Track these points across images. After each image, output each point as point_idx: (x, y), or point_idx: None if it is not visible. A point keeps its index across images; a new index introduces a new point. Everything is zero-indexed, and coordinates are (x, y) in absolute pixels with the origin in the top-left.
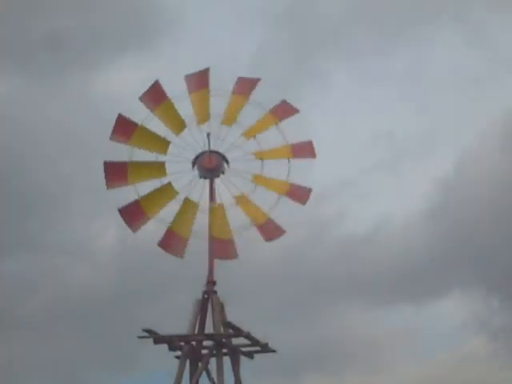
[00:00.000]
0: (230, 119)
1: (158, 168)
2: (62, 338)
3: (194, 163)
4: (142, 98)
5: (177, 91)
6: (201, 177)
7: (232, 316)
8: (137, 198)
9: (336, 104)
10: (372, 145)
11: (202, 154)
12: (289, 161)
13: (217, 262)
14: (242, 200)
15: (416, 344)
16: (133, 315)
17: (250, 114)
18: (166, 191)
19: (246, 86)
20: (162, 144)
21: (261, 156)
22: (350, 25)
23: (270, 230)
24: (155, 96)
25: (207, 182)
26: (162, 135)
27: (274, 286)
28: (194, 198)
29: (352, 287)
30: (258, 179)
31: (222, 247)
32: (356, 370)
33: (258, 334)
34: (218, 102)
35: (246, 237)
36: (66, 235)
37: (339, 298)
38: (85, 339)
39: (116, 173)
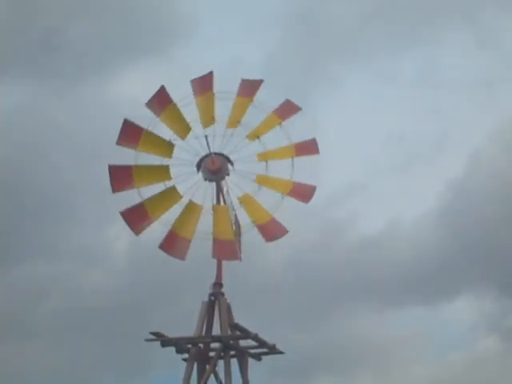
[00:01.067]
0: (234, 122)
1: (163, 172)
2: (74, 344)
3: (198, 166)
4: (148, 104)
5: (187, 97)
6: (205, 179)
7: (243, 318)
8: (140, 200)
9: (348, 106)
10: (383, 147)
11: (206, 156)
12: (292, 160)
13: (225, 264)
14: (245, 200)
15: (428, 345)
16: (145, 319)
17: (255, 116)
18: (170, 195)
19: (249, 88)
20: (167, 148)
21: (264, 157)
22: (361, 27)
23: (272, 230)
24: (160, 101)
25: (213, 184)
26: (167, 139)
27: (285, 288)
28: (199, 200)
29: (363, 289)
30: (262, 179)
31: (224, 248)
32: (367, 371)
33: (268, 337)
34: (224, 105)
35: (257, 239)
36: (79, 242)
37: (350, 300)
38: (97, 345)
39: (121, 177)
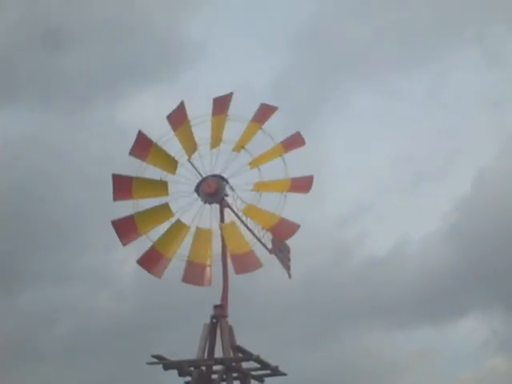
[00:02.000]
0: (239, 146)
1: (161, 187)
2: (84, 367)
3: (197, 191)
4: (168, 117)
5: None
6: (205, 203)
7: (252, 340)
8: (132, 213)
9: (356, 125)
10: (392, 166)
11: (202, 181)
12: (283, 158)
13: (233, 284)
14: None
15: (437, 364)
16: (154, 342)
17: (262, 142)
18: (162, 211)
19: (263, 114)
20: (172, 164)
21: (258, 188)
22: (370, 46)
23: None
24: (178, 116)
25: (215, 207)
26: (176, 155)
27: (295, 308)
28: (206, 225)
29: (373, 308)
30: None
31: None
32: None
33: (277, 357)
34: (235, 128)
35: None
36: (88, 265)
37: (360, 319)
38: (107, 368)
39: (122, 187)
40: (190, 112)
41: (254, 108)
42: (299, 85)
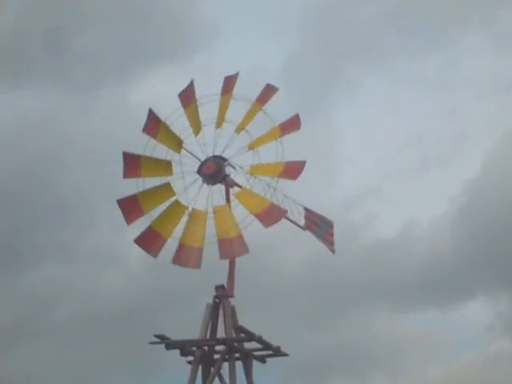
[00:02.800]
0: (240, 128)
1: (166, 167)
2: (88, 346)
3: (199, 172)
4: (179, 95)
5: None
6: (207, 184)
7: (257, 321)
8: (136, 192)
9: (365, 108)
10: (401, 149)
11: (203, 162)
12: (281, 141)
13: (240, 266)
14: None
15: (442, 346)
16: (160, 323)
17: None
18: (165, 190)
19: (265, 95)
20: (177, 143)
21: (253, 171)
22: (379, 29)
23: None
24: (188, 95)
25: (212, 189)
26: (185, 134)
27: (302, 290)
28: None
29: (378, 292)
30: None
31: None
32: (382, 372)
33: (283, 338)
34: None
35: (277, 241)
36: (94, 245)
37: (366, 301)
38: (111, 347)
39: (131, 164)
40: (203, 92)
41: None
42: (309, 67)
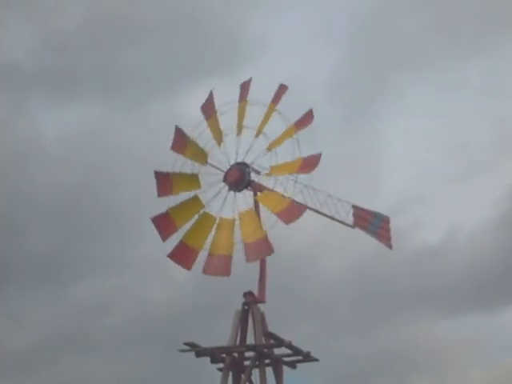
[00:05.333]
0: (258, 131)
1: (194, 180)
2: (134, 356)
3: (225, 181)
4: (201, 108)
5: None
6: (234, 191)
7: (300, 327)
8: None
9: (411, 115)
10: (446, 155)
11: (228, 170)
12: (297, 137)
13: (280, 276)
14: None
15: (485, 351)
16: (205, 330)
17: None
18: (194, 203)
19: (278, 95)
20: (203, 156)
21: (273, 171)
22: (425, 37)
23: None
24: (208, 107)
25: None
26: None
27: (344, 298)
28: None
29: (422, 297)
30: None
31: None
32: (426, 378)
33: (323, 346)
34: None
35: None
36: (141, 256)
37: (410, 307)
38: (157, 357)
39: (163, 183)
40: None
41: (310, 100)
42: (356, 76)
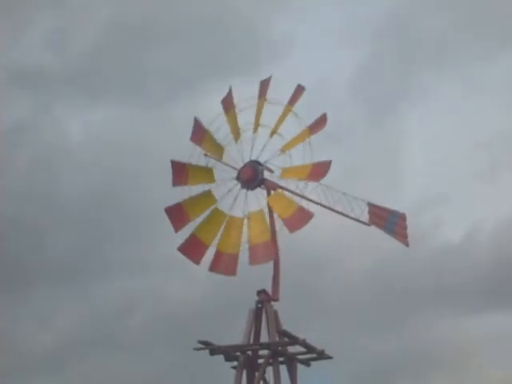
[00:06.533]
0: (273, 131)
1: (209, 174)
2: (160, 356)
3: (238, 179)
4: (222, 102)
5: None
6: (247, 189)
7: (320, 326)
8: (180, 201)
9: (436, 115)
10: (469, 154)
11: (241, 168)
12: (309, 141)
13: (299, 275)
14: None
15: (507, 349)
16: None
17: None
18: (207, 197)
19: (294, 96)
20: (219, 150)
21: (284, 174)
22: (450, 37)
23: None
24: (228, 102)
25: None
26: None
27: (365, 296)
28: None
29: (443, 296)
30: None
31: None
32: (446, 376)
33: (345, 345)
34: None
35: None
36: (164, 255)
37: (431, 305)
38: (182, 356)
39: (179, 172)
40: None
41: (333, 101)
42: (380, 76)
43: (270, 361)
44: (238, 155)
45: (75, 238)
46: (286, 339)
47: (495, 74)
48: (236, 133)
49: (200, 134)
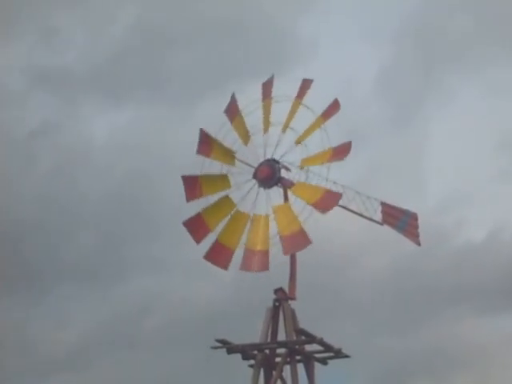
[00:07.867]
0: (285, 126)
1: (224, 180)
2: (177, 356)
3: (255, 177)
4: (225, 112)
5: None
6: (264, 188)
7: (339, 325)
8: (199, 211)
9: (460, 116)
10: (493, 154)
11: (257, 167)
12: (324, 127)
13: (320, 274)
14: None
15: None
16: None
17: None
18: (225, 203)
19: (302, 89)
20: (231, 156)
21: (304, 164)
22: (475, 38)
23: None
24: (232, 109)
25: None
26: (233, 147)
27: (385, 295)
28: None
29: (465, 295)
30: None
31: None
32: (468, 376)
33: (364, 344)
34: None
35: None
36: (185, 256)
37: (453, 304)
38: (195, 357)
39: (191, 186)
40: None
41: (358, 101)
42: (403, 77)
43: (288, 359)
44: (251, 157)
45: (94, 240)
46: (303, 338)
47: None
48: (245, 137)
49: (207, 144)
